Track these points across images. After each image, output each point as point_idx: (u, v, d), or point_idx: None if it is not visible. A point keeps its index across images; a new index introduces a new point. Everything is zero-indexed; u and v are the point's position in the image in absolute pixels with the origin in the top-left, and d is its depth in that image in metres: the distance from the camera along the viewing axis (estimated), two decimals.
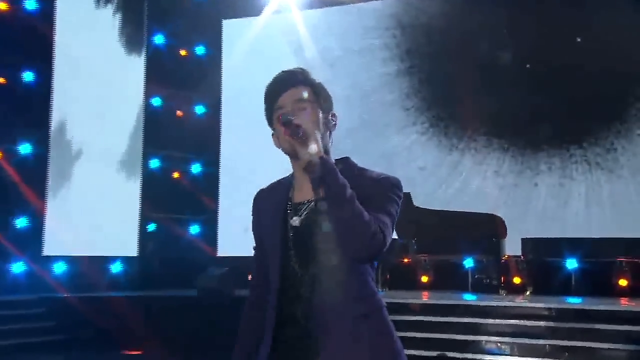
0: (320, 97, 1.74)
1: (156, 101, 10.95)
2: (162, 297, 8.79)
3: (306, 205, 1.69)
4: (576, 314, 6.75)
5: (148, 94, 10.84)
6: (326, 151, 1.68)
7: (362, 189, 1.61)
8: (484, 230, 8.45)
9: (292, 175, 1.80)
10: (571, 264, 8.80)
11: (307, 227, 1.66)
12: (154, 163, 10.88)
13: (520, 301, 7.44)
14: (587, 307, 6.90)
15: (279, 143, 1.74)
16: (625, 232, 8.73)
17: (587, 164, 9.35)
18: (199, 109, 11.47)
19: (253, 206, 1.85)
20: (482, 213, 8.70)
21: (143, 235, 10.46)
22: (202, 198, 11.20)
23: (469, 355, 6.52)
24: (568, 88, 9.45)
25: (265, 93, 1.75)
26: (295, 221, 1.69)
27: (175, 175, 11.16)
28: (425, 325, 6.96)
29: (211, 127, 11.46)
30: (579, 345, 6.22)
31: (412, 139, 10.48)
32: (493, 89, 9.96)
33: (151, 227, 10.64)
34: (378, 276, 9.04)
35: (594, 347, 6.14)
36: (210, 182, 11.38)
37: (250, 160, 11.31)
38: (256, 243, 1.84)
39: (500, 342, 6.62)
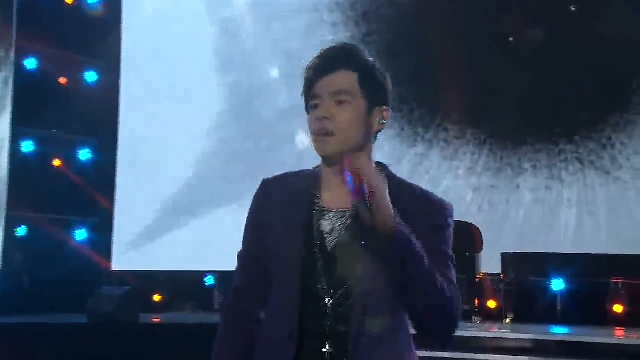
0: (370, 86, 1.72)
1: (30, 63, 10.39)
2: (36, 325, 8.37)
3: (345, 214, 1.69)
4: (567, 348, 6.94)
5: (19, 54, 10.26)
6: (353, 149, 1.70)
7: (414, 220, 1.61)
8: (456, 242, 8.54)
9: (318, 171, 1.80)
10: (558, 285, 9.05)
11: (345, 240, 1.67)
12: (27, 146, 10.35)
13: (499, 331, 7.70)
14: (579, 340, 7.13)
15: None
16: (623, 248, 9.09)
17: (580, 163, 9.67)
18: (90, 76, 11.04)
19: (256, 200, 1.83)
20: (457, 220, 8.78)
21: (9, 242, 9.91)
22: (93, 194, 10.85)
23: None
24: (559, 67, 9.77)
25: (304, 76, 1.78)
26: (326, 227, 1.69)
27: (56, 163, 10.66)
28: None
29: (106, 101, 11.08)
30: None
31: None
32: (469, 66, 10.18)
33: (21, 231, 10.11)
34: None
35: None
36: (103, 173, 11.05)
37: (158, 145, 11.11)
38: (250, 247, 1.86)
39: None
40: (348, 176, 1.52)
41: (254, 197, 1.86)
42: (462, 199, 10.00)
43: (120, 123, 11.26)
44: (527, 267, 9.06)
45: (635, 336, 7.57)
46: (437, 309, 1.54)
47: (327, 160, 1.72)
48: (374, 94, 1.70)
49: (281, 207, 1.75)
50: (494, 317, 8.84)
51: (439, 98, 10.35)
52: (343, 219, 1.69)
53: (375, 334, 1.61)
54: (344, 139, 1.67)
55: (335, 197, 1.72)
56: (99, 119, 10.99)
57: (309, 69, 1.76)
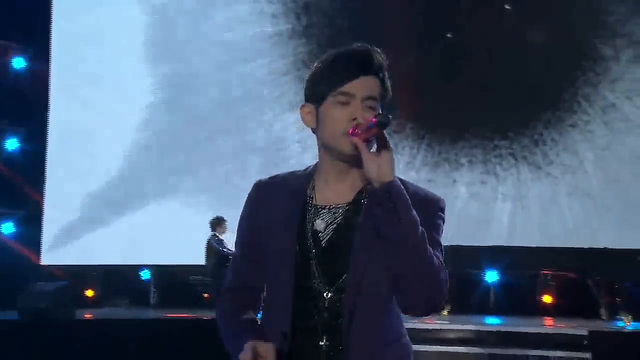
0: (385, 96, 1.71)
1: None
2: None
3: (338, 211, 1.71)
4: (501, 337, 7.22)
5: None
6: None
7: (421, 210, 1.64)
8: None
9: (311, 170, 1.78)
10: (491, 277, 9.42)
11: (338, 236, 1.68)
12: None
13: (437, 322, 7.73)
14: (512, 330, 7.41)
15: (313, 122, 1.72)
16: (553, 241, 9.51)
17: (513, 158, 10.03)
18: (18, 62, 10.87)
19: (249, 202, 1.80)
20: None
21: None
22: (21, 185, 10.65)
23: None
24: (495, 64, 10.07)
25: (326, 67, 1.69)
26: (320, 225, 1.70)
27: None
28: None
29: (35, 88, 10.87)
30: None
31: None
32: (408, 62, 10.19)
33: None
34: None
35: None
36: (32, 163, 10.81)
37: (90, 135, 10.87)
38: (243, 248, 1.83)
39: None
40: (376, 115, 1.60)
41: (247, 199, 1.84)
42: None
43: (50, 112, 10.95)
44: (463, 260, 9.20)
45: (563, 325, 7.93)
46: (426, 276, 1.58)
47: (346, 158, 1.69)
48: (384, 103, 1.72)
49: (275, 209, 1.76)
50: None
51: None
52: (336, 215, 1.72)
53: (369, 325, 1.66)
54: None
55: (330, 194, 1.74)
56: (28, 108, 10.72)
57: (341, 62, 1.70)
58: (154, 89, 10.95)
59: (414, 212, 1.56)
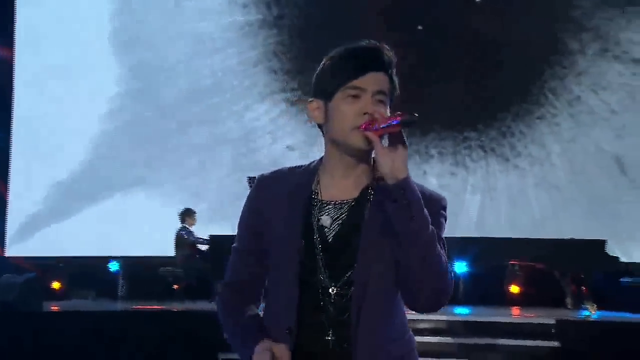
0: (392, 93, 1.72)
1: None
2: None
3: (344, 207, 1.72)
4: (473, 327, 7.38)
5: None
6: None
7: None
8: None
9: (315, 165, 1.78)
10: (460, 267, 9.55)
11: (344, 231, 1.69)
12: None
13: (408, 313, 7.83)
14: (484, 319, 7.57)
15: (322, 118, 1.72)
16: (521, 232, 9.70)
17: (482, 150, 10.26)
18: None
19: (252, 196, 1.80)
20: None
21: None
22: None
23: None
24: (464, 56, 10.28)
25: (336, 62, 1.71)
26: (326, 221, 1.71)
27: None
28: None
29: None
30: None
31: (279, 110, 10.74)
32: None
33: None
34: None
35: None
36: None
37: (58, 125, 10.76)
38: (244, 242, 1.82)
39: None
40: (402, 113, 1.58)
41: (250, 193, 1.83)
42: None
43: (14, 102, 10.80)
44: None
45: (530, 315, 8.07)
46: (435, 274, 1.60)
47: (355, 152, 1.70)
48: (392, 99, 1.73)
49: (279, 204, 1.74)
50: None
51: None
52: (341, 210, 1.72)
53: (376, 320, 1.67)
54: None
55: (335, 189, 1.74)
56: None
57: (352, 57, 1.71)
58: (123, 79, 10.86)
59: (425, 210, 1.58)
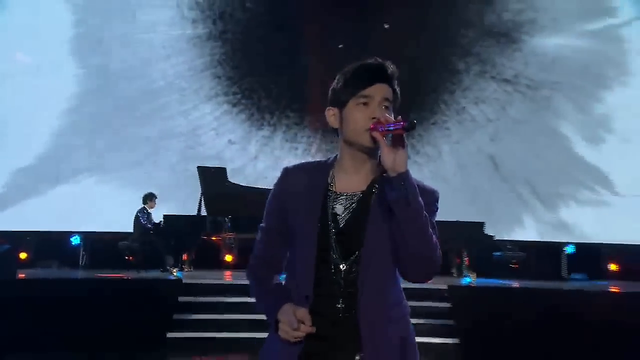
0: (395, 102, 1.78)
1: None
2: None
3: (353, 198, 1.76)
4: None
5: None
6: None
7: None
8: None
9: (331, 161, 1.81)
10: None
11: (355, 220, 1.73)
12: None
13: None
14: None
15: (337, 123, 1.77)
16: None
17: None
18: None
19: (278, 185, 1.83)
20: None
21: None
22: None
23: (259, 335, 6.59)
24: None
25: (349, 75, 1.76)
26: (339, 209, 1.75)
27: None
28: (224, 306, 7.26)
29: None
30: None
31: (222, 110, 10.82)
32: (306, 65, 10.75)
33: None
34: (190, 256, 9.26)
35: None
36: None
37: (23, 118, 10.49)
38: (271, 223, 1.83)
39: None
40: (406, 119, 1.61)
41: (277, 181, 1.83)
42: None
43: None
44: None
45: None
46: (427, 251, 1.65)
47: (365, 150, 1.73)
48: (395, 107, 1.77)
49: (300, 193, 1.77)
50: None
51: (283, 90, 10.78)
52: (352, 201, 1.75)
53: (377, 291, 1.70)
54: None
55: (347, 182, 1.77)
56: None
57: (363, 70, 1.75)
58: (84, 78, 10.69)
59: (420, 198, 1.61)
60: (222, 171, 9.15)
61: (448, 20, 11.00)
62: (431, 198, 1.74)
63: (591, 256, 10.48)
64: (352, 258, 1.71)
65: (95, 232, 10.23)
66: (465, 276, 8.79)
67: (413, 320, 1.78)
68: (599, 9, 11.15)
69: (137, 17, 10.81)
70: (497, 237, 9.42)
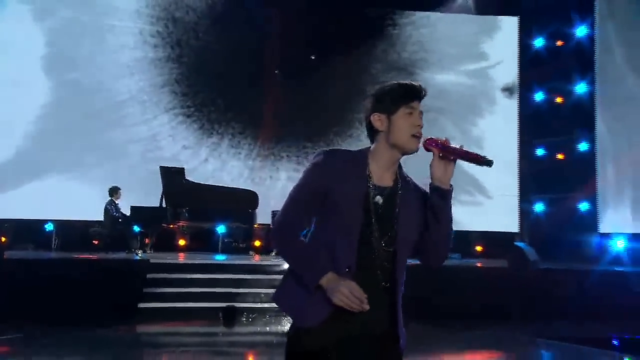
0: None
1: None
2: None
3: (386, 190, 1.76)
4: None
5: None
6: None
7: (418, 197, 1.80)
8: (242, 203, 9.34)
9: (364, 153, 1.79)
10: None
11: (389, 209, 1.74)
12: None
13: (265, 260, 8.25)
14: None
15: (384, 127, 1.75)
16: None
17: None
18: None
19: (323, 164, 1.73)
20: (242, 188, 9.63)
21: None
22: None
23: (215, 304, 7.00)
24: (307, 95, 10.98)
25: (397, 90, 1.77)
26: (379, 200, 1.74)
27: None
28: (184, 281, 7.38)
29: None
30: None
31: (178, 120, 10.88)
32: (250, 87, 10.98)
33: None
34: (151, 240, 9.31)
35: None
36: None
37: (3, 122, 10.11)
38: (306, 195, 1.74)
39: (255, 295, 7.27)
40: (483, 156, 1.69)
41: (321, 159, 1.73)
42: (242, 174, 10.84)
43: None
44: None
45: None
46: (448, 243, 1.75)
47: (408, 153, 1.75)
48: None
49: (343, 177, 1.70)
50: (263, 251, 9.67)
51: (229, 105, 10.96)
52: (385, 193, 1.74)
53: (403, 266, 1.75)
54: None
55: (381, 178, 1.75)
56: None
57: (410, 88, 1.75)
58: (58, 90, 10.41)
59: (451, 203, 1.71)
60: (180, 170, 9.32)
61: (363, 56, 11.45)
62: (426, 198, 1.79)
63: (464, 241, 10.89)
64: (386, 238, 1.72)
65: (65, 220, 10.07)
66: None
67: None
68: (474, 54, 11.91)
69: (105, 40, 10.68)
70: None
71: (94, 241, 9.55)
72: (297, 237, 1.73)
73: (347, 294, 1.59)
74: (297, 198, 1.74)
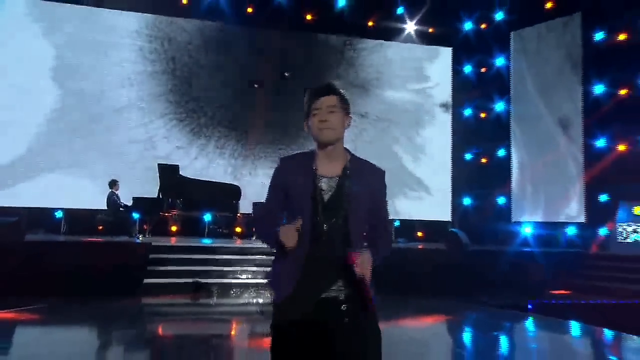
0: (343, 104, 1.72)
1: None
2: None
3: (330, 178, 1.72)
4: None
5: None
6: (339, 139, 1.72)
7: (371, 181, 1.73)
8: (224, 195, 9.48)
9: (313, 153, 1.76)
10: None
11: (338, 193, 1.70)
12: None
13: (246, 244, 8.49)
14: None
15: (311, 132, 1.73)
16: None
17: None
18: None
19: (281, 168, 1.76)
20: (228, 183, 9.78)
21: None
22: None
23: (213, 280, 7.14)
24: (280, 111, 11.10)
25: (307, 95, 1.74)
26: (324, 187, 1.70)
27: None
28: (181, 261, 7.42)
29: None
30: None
31: (172, 124, 10.88)
32: (234, 97, 11.08)
33: None
34: (149, 226, 9.35)
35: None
36: None
37: (19, 125, 9.89)
38: (277, 193, 1.74)
39: (232, 271, 7.43)
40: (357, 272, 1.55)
41: (277, 167, 1.76)
42: (226, 171, 10.91)
43: None
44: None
45: None
46: (388, 246, 1.75)
47: (325, 144, 1.68)
48: (345, 108, 1.69)
49: (295, 173, 1.70)
50: (244, 236, 9.82)
51: (215, 112, 10.99)
52: (332, 182, 1.69)
53: (357, 237, 1.68)
54: (336, 132, 1.68)
55: (326, 169, 1.70)
56: None
57: (312, 92, 1.70)
58: (65, 97, 10.22)
59: (380, 250, 1.67)
60: (175, 167, 9.39)
61: (327, 73, 11.58)
62: (381, 178, 1.75)
63: (408, 228, 11.20)
64: (332, 221, 1.67)
65: (73, 208, 9.98)
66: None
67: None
68: (418, 76, 12.25)
69: (108, 54, 10.56)
70: None
71: (98, 227, 9.49)
72: (268, 222, 1.73)
73: (283, 231, 1.61)
74: (268, 197, 1.78)
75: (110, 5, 10.56)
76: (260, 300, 6.67)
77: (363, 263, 1.56)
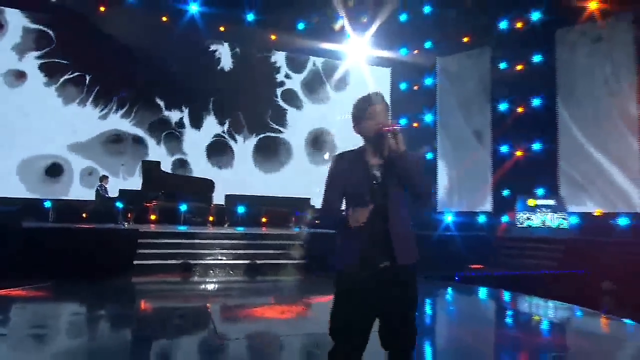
0: (388, 108, 1.85)
1: None
2: None
3: (378, 166, 1.83)
4: (252, 236, 7.91)
5: None
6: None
7: (408, 165, 1.80)
8: (202, 188, 9.46)
9: (363, 148, 1.86)
10: (242, 209, 10.24)
11: (384, 178, 1.82)
12: None
13: (222, 230, 8.51)
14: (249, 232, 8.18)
15: (365, 130, 1.82)
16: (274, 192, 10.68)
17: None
18: None
19: (337, 163, 1.84)
20: (202, 177, 9.67)
21: None
22: None
23: (190, 261, 6.97)
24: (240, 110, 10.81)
25: (357, 107, 1.85)
26: (376, 173, 1.81)
27: None
28: (165, 245, 7.27)
29: None
30: (253, 252, 7.36)
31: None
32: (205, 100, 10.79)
33: None
34: (133, 215, 9.13)
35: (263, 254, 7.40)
36: None
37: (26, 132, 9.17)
38: (334, 187, 1.83)
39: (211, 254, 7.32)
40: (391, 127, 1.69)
41: (333, 164, 1.84)
42: (204, 167, 10.66)
43: None
44: (234, 200, 9.87)
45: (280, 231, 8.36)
46: (425, 188, 1.78)
47: (376, 142, 1.80)
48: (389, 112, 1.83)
49: (351, 165, 1.80)
50: (220, 223, 9.68)
51: (191, 112, 10.62)
52: (380, 168, 1.80)
53: (396, 210, 1.78)
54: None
55: (374, 159, 1.82)
56: None
57: (366, 100, 1.81)
58: None
59: (414, 164, 1.75)
60: (157, 163, 9.26)
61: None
62: (418, 159, 1.85)
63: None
64: (384, 198, 1.78)
65: (60, 199, 9.58)
66: (298, 227, 9.41)
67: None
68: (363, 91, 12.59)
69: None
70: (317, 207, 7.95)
71: (83, 214, 9.08)
72: (333, 214, 1.83)
73: (355, 214, 1.73)
74: (327, 191, 1.86)
75: None
76: (232, 279, 6.59)
77: (397, 137, 1.70)
